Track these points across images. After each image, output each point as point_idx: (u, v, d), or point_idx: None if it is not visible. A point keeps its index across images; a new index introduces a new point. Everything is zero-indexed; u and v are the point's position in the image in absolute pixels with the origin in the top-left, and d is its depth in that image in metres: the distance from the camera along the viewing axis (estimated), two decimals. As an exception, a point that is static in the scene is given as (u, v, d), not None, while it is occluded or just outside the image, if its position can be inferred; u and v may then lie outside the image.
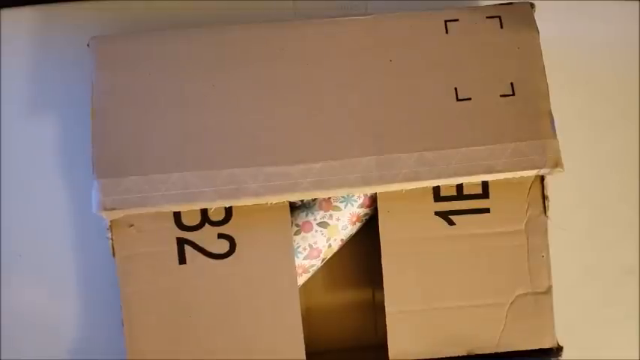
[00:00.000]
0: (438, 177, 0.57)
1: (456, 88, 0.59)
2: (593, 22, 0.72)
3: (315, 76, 0.60)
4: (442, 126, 0.58)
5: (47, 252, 0.68)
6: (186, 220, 0.60)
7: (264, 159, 0.57)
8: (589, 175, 0.70)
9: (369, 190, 0.58)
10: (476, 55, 0.60)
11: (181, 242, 0.60)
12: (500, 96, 0.59)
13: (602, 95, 0.71)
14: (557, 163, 0.57)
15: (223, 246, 0.60)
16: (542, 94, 0.59)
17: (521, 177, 0.59)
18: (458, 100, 0.59)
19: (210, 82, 0.59)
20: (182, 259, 0.60)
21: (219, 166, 0.57)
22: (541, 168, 0.57)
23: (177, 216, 0.60)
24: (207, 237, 0.60)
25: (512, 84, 0.59)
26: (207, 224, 0.60)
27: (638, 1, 0.72)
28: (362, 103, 0.59)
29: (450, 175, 0.57)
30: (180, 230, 0.60)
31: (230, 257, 0.60)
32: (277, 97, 0.59)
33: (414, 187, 0.58)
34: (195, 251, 0.60)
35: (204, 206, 0.58)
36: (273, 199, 0.58)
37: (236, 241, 0.60)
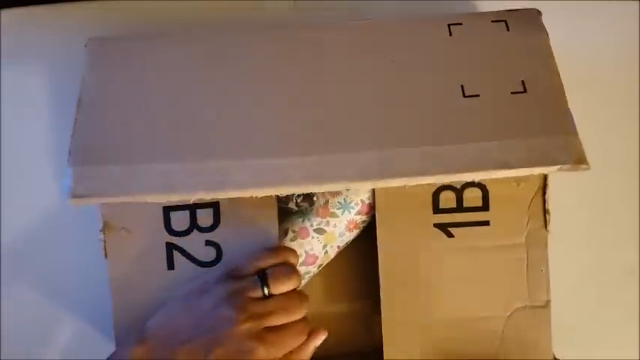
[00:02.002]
0: (445, 172, 0.54)
1: (462, 86, 0.57)
2: (593, 22, 0.72)
3: (312, 72, 0.58)
4: (448, 121, 0.55)
5: (47, 252, 0.68)
6: (175, 225, 0.59)
7: (253, 151, 0.55)
8: (589, 175, 0.69)
9: (369, 186, 0.55)
10: (482, 54, 0.59)
11: (170, 248, 0.59)
12: (511, 93, 0.57)
13: (602, 95, 0.71)
14: (581, 160, 0.54)
15: (210, 253, 0.59)
16: (558, 90, 0.57)
17: (523, 188, 0.58)
18: (465, 96, 0.57)
19: (202, 74, 0.58)
20: (170, 265, 0.59)
21: (205, 157, 0.55)
22: (564, 164, 0.54)
23: (167, 220, 0.59)
24: (195, 244, 0.59)
25: (522, 82, 0.57)
26: (195, 230, 0.59)
27: (638, 1, 0.72)
28: (361, 98, 0.57)
29: (458, 171, 0.54)
30: (169, 235, 0.59)
31: (216, 266, 0.59)
32: (270, 90, 0.58)
33: (418, 184, 0.54)
34: (183, 258, 0.59)
35: (184, 198, 0.55)
36: (260, 193, 0.54)
37: (222, 248, 0.59)
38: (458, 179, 0.55)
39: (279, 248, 0.58)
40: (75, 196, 0.53)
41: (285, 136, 0.56)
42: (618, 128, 0.71)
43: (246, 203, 0.58)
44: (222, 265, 0.58)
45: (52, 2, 0.72)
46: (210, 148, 0.55)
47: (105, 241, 0.59)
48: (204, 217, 0.59)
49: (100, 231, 0.59)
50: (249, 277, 0.55)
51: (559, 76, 0.58)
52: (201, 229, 0.59)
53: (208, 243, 0.59)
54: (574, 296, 0.67)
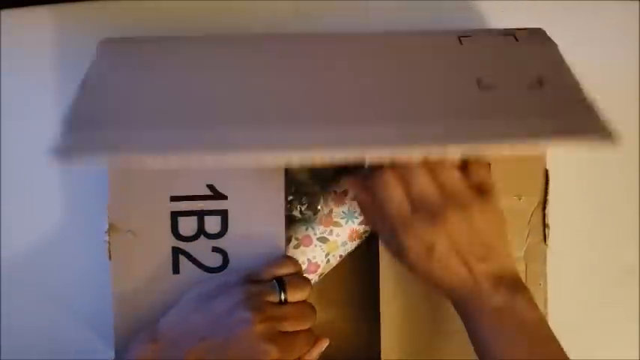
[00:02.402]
0: (472, 141, 0.47)
1: (478, 79, 0.53)
2: (593, 22, 0.72)
3: (326, 64, 0.55)
4: (468, 106, 0.51)
5: (47, 253, 0.68)
6: (182, 230, 0.59)
7: (260, 119, 0.50)
8: (589, 175, 0.70)
9: (387, 153, 0.49)
10: (494, 57, 0.56)
11: (176, 252, 0.59)
12: (528, 88, 0.53)
13: (602, 95, 0.70)
14: (608, 135, 0.50)
15: (216, 260, 0.59)
16: (575, 86, 0.53)
17: (524, 202, 0.58)
18: (481, 88, 0.52)
19: (213, 71, 0.54)
20: (176, 269, 0.59)
21: (210, 124, 0.49)
22: (592, 139, 0.49)
23: (174, 225, 0.59)
24: (201, 249, 0.59)
25: (538, 78, 0.53)
26: (202, 236, 0.59)
27: (638, 1, 0.71)
28: (376, 85, 0.53)
29: (484, 141, 0.48)
30: (176, 240, 0.59)
31: (223, 272, 0.59)
32: (283, 69, 0.55)
33: (440, 156, 0.51)
34: (190, 263, 0.59)
35: (183, 162, 0.46)
36: (266, 159, 0.49)
37: (229, 256, 0.59)
38: (484, 151, 0.52)
39: (294, 259, 0.60)
40: (61, 153, 0.45)
41: (297, 109, 0.51)
42: (618, 128, 0.71)
43: (255, 211, 0.58)
44: (230, 272, 0.59)
45: (52, 3, 0.71)
46: (215, 117, 0.50)
47: (109, 243, 0.60)
48: (212, 224, 0.59)
49: (105, 232, 0.60)
50: (267, 282, 0.56)
51: (573, 75, 0.55)
52: (209, 236, 0.59)
53: (215, 249, 0.59)
54: (574, 296, 0.67)
